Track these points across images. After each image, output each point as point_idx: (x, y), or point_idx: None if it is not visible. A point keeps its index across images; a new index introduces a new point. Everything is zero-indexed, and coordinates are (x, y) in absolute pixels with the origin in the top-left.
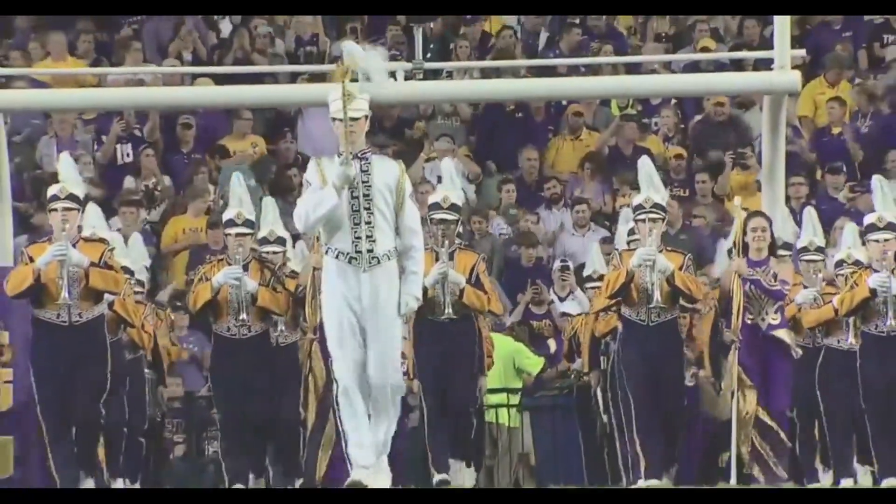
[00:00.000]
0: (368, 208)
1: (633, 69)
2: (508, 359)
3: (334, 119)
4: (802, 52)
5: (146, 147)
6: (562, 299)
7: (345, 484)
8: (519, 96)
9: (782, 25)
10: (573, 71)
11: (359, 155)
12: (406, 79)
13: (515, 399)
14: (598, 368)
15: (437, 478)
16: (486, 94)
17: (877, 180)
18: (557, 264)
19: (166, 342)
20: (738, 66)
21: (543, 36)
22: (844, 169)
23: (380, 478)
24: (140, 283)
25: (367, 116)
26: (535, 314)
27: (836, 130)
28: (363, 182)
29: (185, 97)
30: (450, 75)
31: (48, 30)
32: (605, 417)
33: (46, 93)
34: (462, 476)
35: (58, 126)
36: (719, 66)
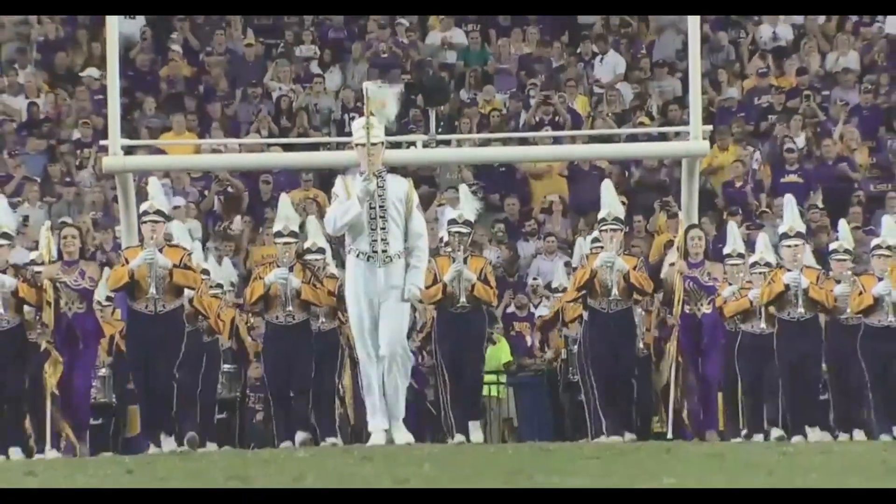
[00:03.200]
0: (383, 217)
1: (589, 140)
2: (501, 351)
3: (357, 144)
4: (710, 127)
5: (235, 198)
6: (535, 306)
7: (367, 444)
8: (505, 159)
9: (696, 108)
10: (545, 140)
11: (376, 173)
12: (423, 146)
13: (503, 378)
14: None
15: (457, 438)
16: (481, 158)
17: (788, 198)
18: (531, 281)
19: (248, 338)
20: (663, 137)
21: (524, 115)
22: (740, 211)
23: (400, 436)
24: (229, 291)
25: (383, 143)
26: (517, 316)
27: (738, 183)
28: (379, 196)
29: (263, 162)
30: (457, 144)
31: (170, 112)
32: (566, 392)
33: (165, 158)
34: (476, 434)
35: (174, 181)
36: (651, 138)
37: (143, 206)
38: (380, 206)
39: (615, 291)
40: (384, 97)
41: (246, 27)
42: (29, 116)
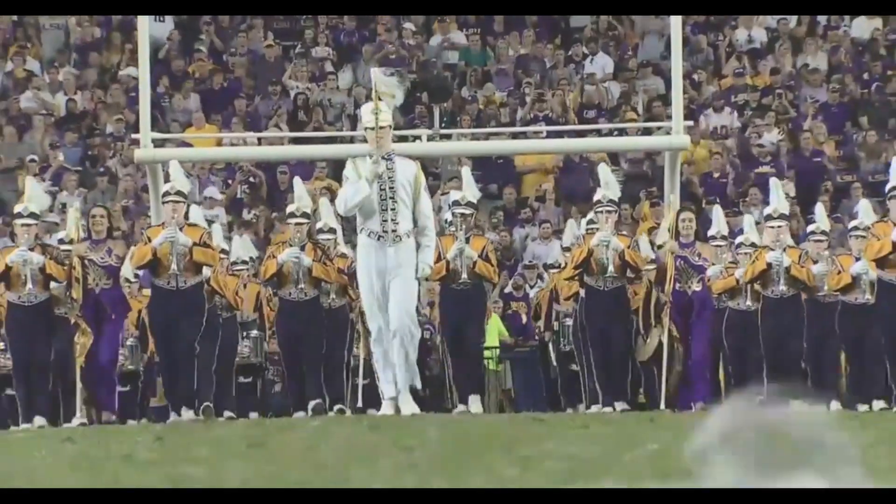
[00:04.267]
0: (393, 198)
1: (581, 134)
2: (494, 328)
3: (366, 128)
4: (690, 122)
5: (256, 187)
6: (531, 287)
7: (379, 413)
8: (502, 152)
9: (677, 105)
10: (539, 134)
11: (385, 156)
12: (428, 140)
13: (500, 353)
14: (552, 329)
15: (459, 408)
16: (481, 151)
17: (773, 182)
18: (527, 262)
19: (268, 309)
20: (648, 131)
21: (520, 111)
22: (718, 199)
23: (406, 407)
24: (245, 263)
25: (391, 126)
26: (515, 296)
27: (716, 174)
28: (388, 178)
29: (281, 154)
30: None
31: (196, 107)
32: (556, 365)
33: (192, 150)
34: (476, 405)
35: (199, 172)
36: (637, 132)
37: (165, 188)
38: (389, 188)
39: (611, 269)
40: (390, 84)
41: (266, 30)
42: (67, 111)
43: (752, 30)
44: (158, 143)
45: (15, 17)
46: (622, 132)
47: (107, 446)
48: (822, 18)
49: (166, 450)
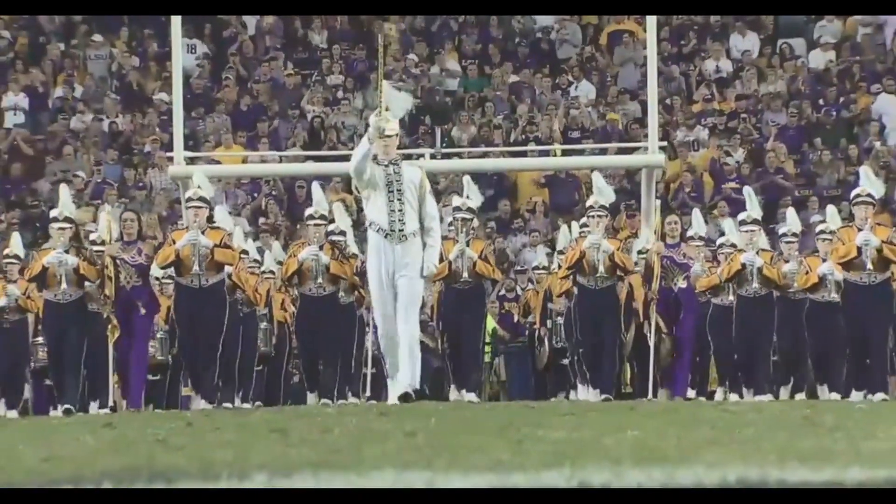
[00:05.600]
0: (400, 199)
1: (566, 153)
2: (490, 325)
3: (374, 136)
4: (665, 143)
5: (276, 200)
6: (522, 289)
7: (388, 401)
8: (497, 168)
9: (653, 128)
10: (531, 153)
11: (391, 162)
12: (431, 158)
13: (495, 347)
14: (545, 325)
15: (455, 396)
16: (478, 168)
17: (746, 191)
18: (518, 268)
19: (278, 310)
20: (627, 151)
21: (513, 132)
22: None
23: (397, 394)
24: (273, 272)
25: (397, 134)
26: (507, 298)
27: (687, 189)
28: (396, 181)
29: (299, 170)
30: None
31: (224, 128)
32: (545, 358)
33: (220, 167)
34: (471, 396)
35: (224, 186)
36: (617, 152)
37: (188, 194)
38: (397, 190)
39: (601, 269)
40: (397, 96)
41: (286, 60)
42: (109, 132)
43: (720, 61)
44: (190, 161)
45: (63, 47)
46: (604, 151)
47: (143, 431)
48: (784, 49)
49: (196, 434)
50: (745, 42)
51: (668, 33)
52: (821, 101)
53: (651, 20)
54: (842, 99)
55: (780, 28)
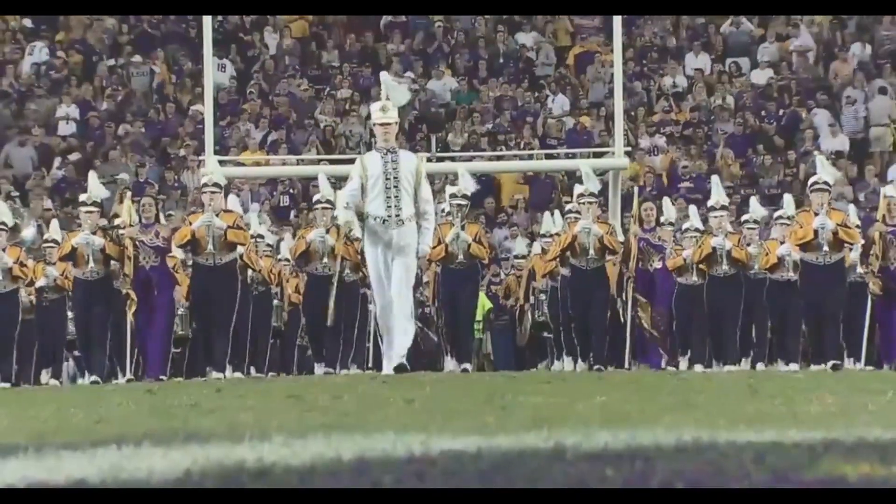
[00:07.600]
0: (396, 186)
1: (544, 157)
2: (481, 304)
3: (375, 124)
4: (629, 147)
5: (291, 198)
6: (505, 274)
7: (382, 373)
8: (485, 170)
9: (618, 136)
10: (509, 157)
11: (389, 150)
12: (427, 161)
13: (483, 324)
14: (528, 301)
15: (450, 366)
16: (469, 170)
17: (714, 179)
18: (502, 256)
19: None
20: (597, 155)
21: (499, 138)
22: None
23: (387, 366)
24: (287, 260)
25: (396, 122)
26: (493, 282)
27: (648, 188)
28: (393, 168)
29: (314, 172)
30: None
31: (249, 136)
32: (526, 333)
33: (245, 168)
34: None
35: (250, 185)
36: (587, 155)
37: (203, 180)
38: (394, 178)
39: (592, 252)
40: (396, 87)
41: (302, 77)
42: (149, 138)
43: (676, 77)
44: (220, 164)
45: (111, 62)
46: (575, 156)
47: (178, 397)
48: (732, 67)
49: (224, 400)
50: (698, 61)
51: (632, 54)
52: (763, 113)
53: (617, 43)
54: (781, 111)
55: (729, 48)
